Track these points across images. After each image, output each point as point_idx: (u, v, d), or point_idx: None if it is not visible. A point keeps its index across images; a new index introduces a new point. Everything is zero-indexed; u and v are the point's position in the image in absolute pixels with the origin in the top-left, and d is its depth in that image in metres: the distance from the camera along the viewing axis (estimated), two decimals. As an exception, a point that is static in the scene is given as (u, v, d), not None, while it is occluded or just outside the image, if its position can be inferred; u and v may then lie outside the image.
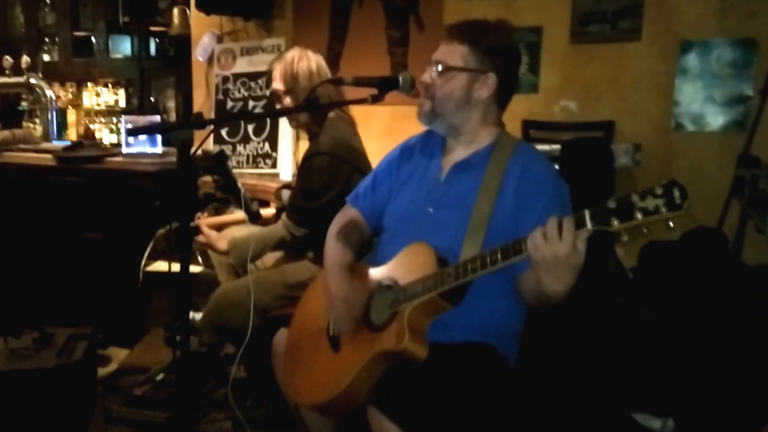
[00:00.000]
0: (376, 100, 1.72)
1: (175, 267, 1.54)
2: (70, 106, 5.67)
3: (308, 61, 2.35)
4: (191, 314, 2.81)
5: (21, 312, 2.92)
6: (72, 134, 5.62)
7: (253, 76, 4.08)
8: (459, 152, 1.70)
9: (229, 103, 4.15)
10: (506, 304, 1.61)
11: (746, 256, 2.74)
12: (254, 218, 2.26)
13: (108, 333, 3.03)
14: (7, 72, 4.40)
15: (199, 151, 1.69)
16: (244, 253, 2.22)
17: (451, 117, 1.66)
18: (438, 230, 1.60)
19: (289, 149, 3.89)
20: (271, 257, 2.50)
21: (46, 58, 5.58)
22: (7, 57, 4.41)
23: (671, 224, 1.15)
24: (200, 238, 2.38)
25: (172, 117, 5.65)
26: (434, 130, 1.74)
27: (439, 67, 1.63)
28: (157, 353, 2.98)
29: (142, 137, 3.43)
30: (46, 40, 5.66)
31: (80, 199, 3.37)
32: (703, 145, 3.18)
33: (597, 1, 3.31)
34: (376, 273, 1.65)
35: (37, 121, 4.82)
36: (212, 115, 4.24)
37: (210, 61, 4.32)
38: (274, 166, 3.90)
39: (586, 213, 1.24)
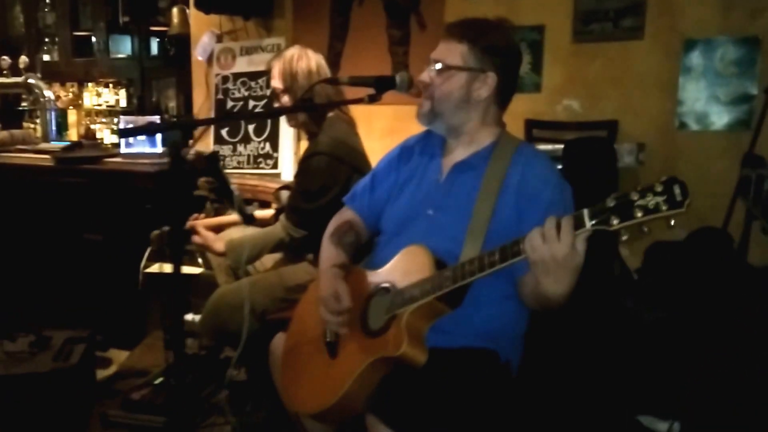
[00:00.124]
0: (373, 99, 1.69)
1: (168, 269, 1.52)
2: (71, 107, 5.65)
3: (308, 60, 2.33)
4: (192, 317, 2.81)
5: (20, 314, 2.90)
6: (73, 134, 5.60)
7: (253, 75, 4.04)
8: (459, 153, 1.67)
9: (229, 103, 4.12)
10: (507, 307, 1.58)
11: (752, 257, 2.71)
12: (248, 220, 2.24)
13: (108, 335, 3.01)
14: (5, 72, 4.38)
15: (194, 153, 1.67)
16: (241, 254, 2.19)
17: (450, 117, 1.63)
18: (438, 232, 1.57)
19: (290, 149, 3.86)
20: (270, 259, 2.47)
21: (46, 58, 5.56)
22: (5, 57, 4.39)
23: (672, 222, 1.11)
24: (197, 239, 2.34)
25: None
26: (434, 130, 1.71)
27: (438, 66, 1.60)
28: (157, 355, 2.95)
29: (141, 138, 3.42)
30: (46, 40, 5.64)
31: (79, 200, 3.35)
32: (707, 144, 3.15)
33: (599, -1, 3.28)
34: (373, 276, 1.62)
35: (38, 121, 4.81)
36: (212, 115, 4.22)
37: (210, 60, 4.29)
38: (275, 166, 3.87)
39: (585, 212, 1.21)
